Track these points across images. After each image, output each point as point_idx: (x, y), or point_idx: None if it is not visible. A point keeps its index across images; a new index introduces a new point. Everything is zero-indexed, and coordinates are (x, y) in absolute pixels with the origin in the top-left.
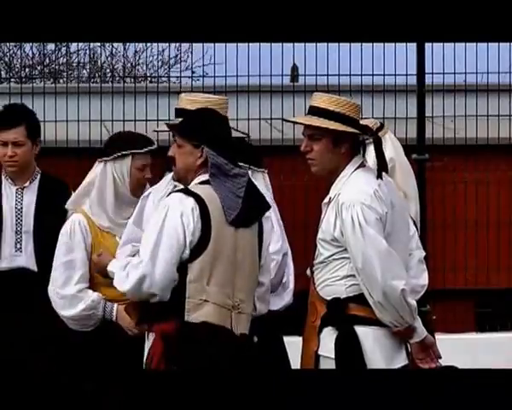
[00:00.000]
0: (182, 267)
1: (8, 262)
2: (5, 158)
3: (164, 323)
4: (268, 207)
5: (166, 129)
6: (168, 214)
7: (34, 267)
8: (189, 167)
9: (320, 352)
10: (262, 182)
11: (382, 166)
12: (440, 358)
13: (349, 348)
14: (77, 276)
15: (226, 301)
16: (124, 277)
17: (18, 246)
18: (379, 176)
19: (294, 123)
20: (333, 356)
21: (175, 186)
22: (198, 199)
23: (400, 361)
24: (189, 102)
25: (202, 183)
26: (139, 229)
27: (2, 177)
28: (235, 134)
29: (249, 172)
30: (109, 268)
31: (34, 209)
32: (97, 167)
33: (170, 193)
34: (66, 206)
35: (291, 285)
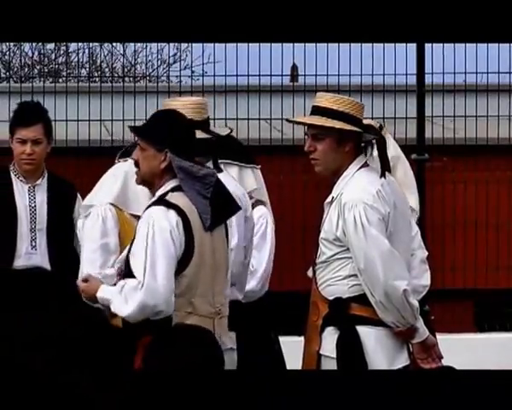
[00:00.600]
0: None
1: (25, 260)
2: (23, 156)
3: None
4: (237, 208)
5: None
6: (156, 230)
7: (47, 265)
8: (154, 171)
9: (322, 352)
10: (252, 178)
11: (386, 166)
12: (442, 358)
13: (350, 348)
14: (112, 259)
15: (209, 310)
16: (122, 302)
17: (33, 244)
18: (382, 175)
19: (298, 123)
20: (334, 356)
21: None
22: (179, 211)
23: (402, 361)
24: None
25: (174, 189)
26: None
27: (12, 175)
28: (218, 131)
29: (236, 168)
30: (100, 294)
31: (47, 207)
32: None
33: (148, 206)
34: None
35: (259, 273)
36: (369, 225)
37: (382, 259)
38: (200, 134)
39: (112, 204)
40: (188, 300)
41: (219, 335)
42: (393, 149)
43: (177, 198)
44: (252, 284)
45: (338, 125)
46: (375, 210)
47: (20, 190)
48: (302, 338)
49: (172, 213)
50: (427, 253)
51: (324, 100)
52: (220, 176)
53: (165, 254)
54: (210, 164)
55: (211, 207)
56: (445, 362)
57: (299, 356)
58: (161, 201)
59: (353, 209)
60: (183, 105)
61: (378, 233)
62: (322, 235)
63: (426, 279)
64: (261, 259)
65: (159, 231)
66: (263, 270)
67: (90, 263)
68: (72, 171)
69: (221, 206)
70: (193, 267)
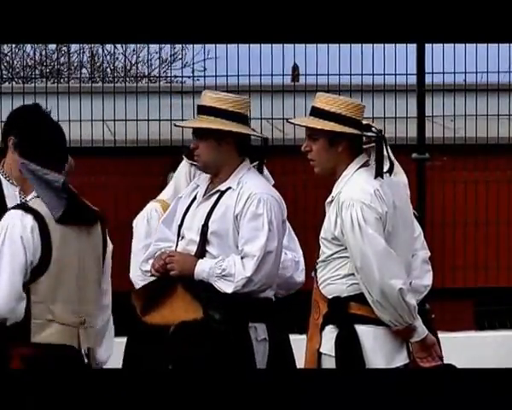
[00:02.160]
0: (25, 288)
1: None
2: None
3: (21, 346)
4: (94, 219)
5: (192, 126)
6: (8, 236)
7: None
8: None
9: (322, 350)
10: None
11: (381, 167)
12: (442, 358)
13: (349, 346)
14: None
15: (72, 319)
16: None
17: None
18: (378, 175)
19: (292, 123)
20: (333, 354)
21: (197, 186)
22: (37, 216)
23: (401, 360)
24: (214, 99)
25: (37, 196)
26: (168, 229)
27: (1, 177)
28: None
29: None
30: None
31: None
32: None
33: (8, 209)
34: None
35: (302, 264)
36: (366, 225)
37: (378, 258)
38: (242, 129)
39: (163, 202)
40: (47, 307)
41: (85, 346)
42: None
43: (38, 204)
44: (302, 275)
45: (323, 125)
46: (372, 209)
47: (11, 193)
48: (305, 336)
49: (29, 218)
50: (429, 253)
51: (318, 100)
52: (259, 179)
53: (12, 262)
54: (246, 165)
55: (68, 205)
56: (445, 360)
57: (302, 354)
58: (21, 204)
59: (350, 208)
60: (232, 100)
61: (374, 232)
62: (321, 234)
63: (427, 279)
64: (297, 249)
65: (10, 237)
66: (303, 259)
67: (135, 262)
68: (75, 171)
69: (76, 214)
70: (51, 274)
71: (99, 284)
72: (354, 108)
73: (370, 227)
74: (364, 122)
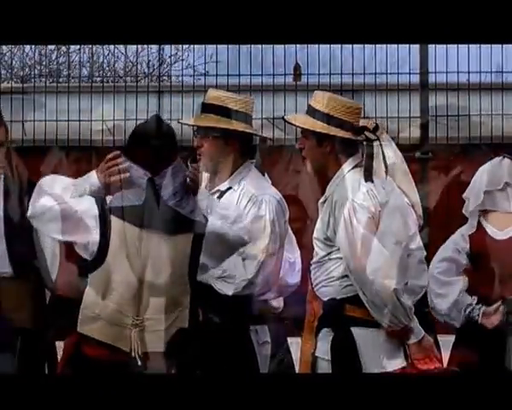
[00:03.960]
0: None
1: None
2: None
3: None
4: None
5: (201, 124)
6: None
7: (9, 270)
8: None
9: (317, 353)
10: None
11: (369, 171)
12: (439, 359)
13: (344, 350)
14: None
15: (122, 320)
16: None
17: None
18: (367, 180)
19: (285, 121)
20: (329, 358)
21: None
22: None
23: (398, 363)
24: (221, 98)
25: None
26: None
27: None
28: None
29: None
30: None
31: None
32: None
33: None
34: None
35: (299, 265)
36: (358, 224)
37: (370, 258)
38: (249, 129)
39: None
40: (97, 300)
41: (138, 348)
42: (391, 152)
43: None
44: (296, 277)
45: (310, 125)
46: (364, 209)
47: None
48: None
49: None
50: (425, 253)
51: (314, 99)
52: (260, 180)
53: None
54: (247, 165)
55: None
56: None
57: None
58: None
59: (342, 208)
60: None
61: (366, 232)
62: (314, 234)
63: (424, 280)
64: (293, 249)
65: None
66: (300, 260)
67: None
68: (75, 170)
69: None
70: (105, 269)
71: (173, 289)
72: (346, 110)
73: (362, 227)
74: (363, 123)
